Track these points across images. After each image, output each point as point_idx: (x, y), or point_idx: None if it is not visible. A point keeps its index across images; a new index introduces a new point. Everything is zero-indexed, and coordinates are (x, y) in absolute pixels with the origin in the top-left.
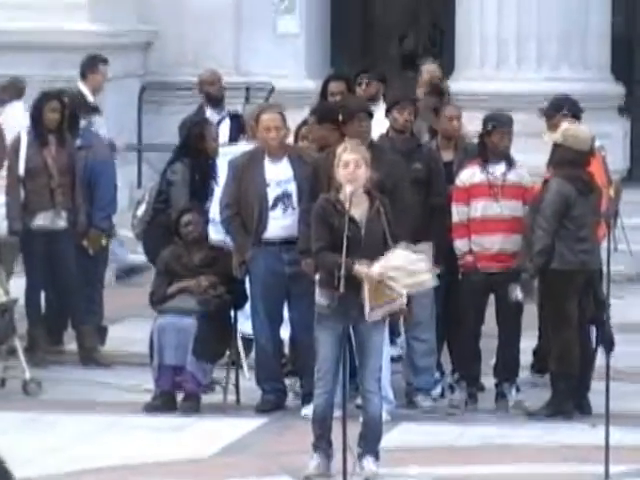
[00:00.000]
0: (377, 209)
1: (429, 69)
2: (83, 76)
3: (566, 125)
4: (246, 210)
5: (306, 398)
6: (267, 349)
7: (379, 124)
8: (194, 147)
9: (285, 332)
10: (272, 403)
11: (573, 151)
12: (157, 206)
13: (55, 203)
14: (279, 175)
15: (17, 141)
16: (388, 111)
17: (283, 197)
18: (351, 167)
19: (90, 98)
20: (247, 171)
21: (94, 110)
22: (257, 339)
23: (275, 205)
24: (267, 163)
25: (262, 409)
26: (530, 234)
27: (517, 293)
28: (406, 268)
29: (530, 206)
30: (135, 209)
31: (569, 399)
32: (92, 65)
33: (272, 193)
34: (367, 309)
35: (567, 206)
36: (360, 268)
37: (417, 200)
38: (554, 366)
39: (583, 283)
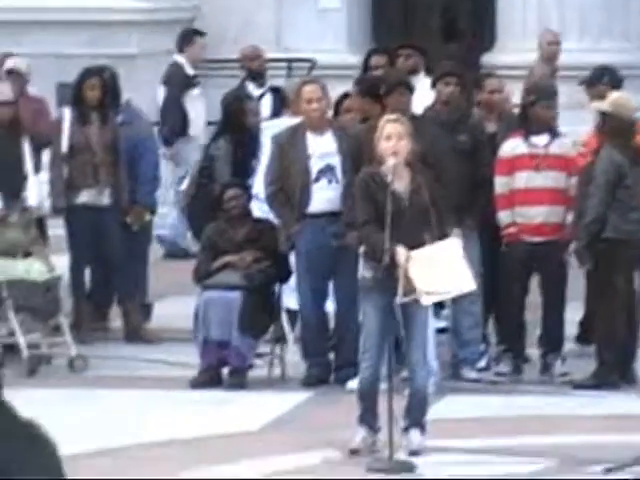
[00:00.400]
0: (419, 182)
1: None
2: (180, 49)
3: (615, 94)
4: (290, 184)
5: (341, 370)
6: (312, 323)
7: (421, 97)
8: (235, 122)
9: (330, 306)
10: (317, 377)
11: (623, 120)
12: (201, 181)
13: (98, 180)
14: (322, 148)
15: (60, 118)
16: (434, 84)
17: (326, 170)
18: (393, 140)
19: (189, 71)
20: (290, 146)
21: (192, 82)
22: (302, 313)
23: (318, 178)
24: (310, 136)
25: (307, 383)
26: (581, 204)
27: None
28: (440, 270)
29: (580, 177)
30: (178, 184)
31: (615, 370)
32: (189, 38)
33: (315, 166)
34: (400, 291)
35: (619, 175)
36: (399, 252)
37: (462, 172)
38: (600, 336)
39: (633, 253)
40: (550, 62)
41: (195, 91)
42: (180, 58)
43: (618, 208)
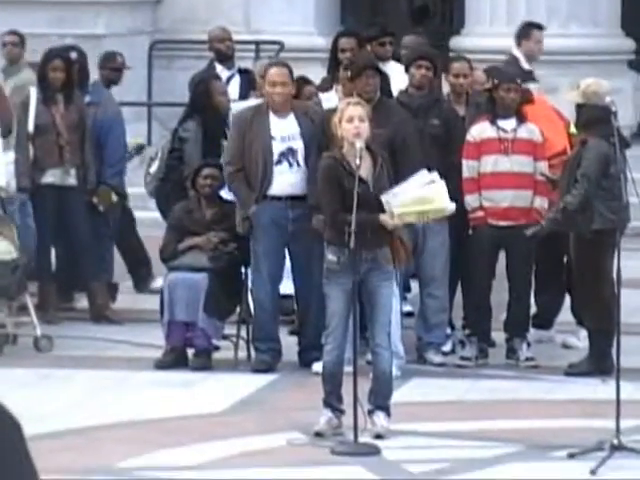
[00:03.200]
0: (381, 165)
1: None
2: (518, 43)
3: (585, 82)
4: (250, 165)
5: (305, 352)
6: (266, 307)
7: (395, 82)
8: (202, 104)
9: (288, 289)
10: (266, 363)
11: (599, 108)
12: (170, 163)
13: (64, 160)
14: (284, 130)
15: (27, 98)
16: (407, 68)
17: (288, 153)
18: (356, 121)
19: (524, 65)
20: (252, 125)
21: (528, 77)
22: (257, 297)
23: (280, 161)
24: (273, 118)
25: (256, 369)
26: (565, 195)
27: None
28: (422, 195)
29: (565, 168)
30: (148, 166)
31: (608, 356)
32: (526, 32)
33: (277, 148)
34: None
35: (606, 165)
36: (385, 220)
37: (433, 156)
38: (593, 324)
39: (617, 240)
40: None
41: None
42: (517, 52)
43: (603, 198)
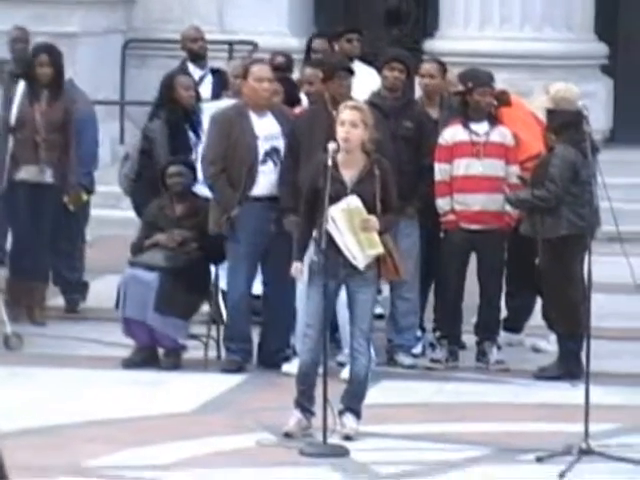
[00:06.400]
0: (369, 171)
1: None
2: None
3: (554, 87)
4: (234, 166)
5: (274, 354)
6: (240, 308)
7: (364, 81)
8: (167, 99)
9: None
10: (237, 363)
11: (569, 113)
12: (142, 162)
13: (39, 158)
14: (266, 130)
15: (13, 91)
16: (380, 69)
17: (272, 152)
18: (346, 126)
19: None
20: (234, 125)
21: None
22: (232, 297)
23: (265, 160)
24: (253, 117)
25: (227, 369)
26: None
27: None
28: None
29: (533, 173)
30: (122, 166)
31: (578, 360)
32: None
33: (262, 148)
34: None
35: (574, 172)
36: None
37: (405, 159)
38: (563, 328)
39: (586, 245)
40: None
41: None
42: None
43: (572, 204)
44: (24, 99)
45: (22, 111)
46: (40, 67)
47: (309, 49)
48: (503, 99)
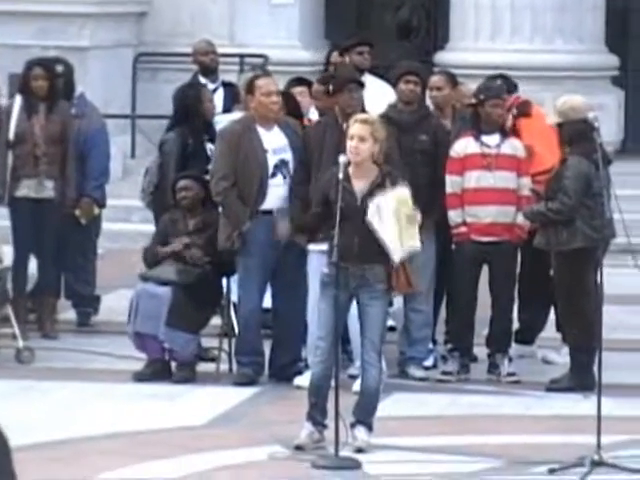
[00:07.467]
0: (379, 183)
1: None
2: None
3: (561, 100)
4: (245, 181)
5: (286, 367)
6: (252, 322)
7: (375, 93)
8: (192, 111)
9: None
10: (249, 377)
11: (577, 122)
12: (159, 174)
13: (39, 172)
14: (274, 143)
15: (11, 105)
16: (394, 83)
17: (281, 165)
18: (355, 141)
19: None
20: (243, 139)
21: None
22: (244, 311)
23: (275, 174)
24: (261, 131)
25: (238, 382)
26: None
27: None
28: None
29: (546, 187)
30: (143, 180)
31: (590, 372)
32: None
33: (271, 161)
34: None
35: (587, 184)
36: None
37: (421, 172)
38: (575, 340)
39: (599, 256)
40: None
41: None
42: None
43: (586, 216)
44: (22, 114)
45: (20, 125)
46: (35, 81)
47: (328, 62)
48: (523, 110)
